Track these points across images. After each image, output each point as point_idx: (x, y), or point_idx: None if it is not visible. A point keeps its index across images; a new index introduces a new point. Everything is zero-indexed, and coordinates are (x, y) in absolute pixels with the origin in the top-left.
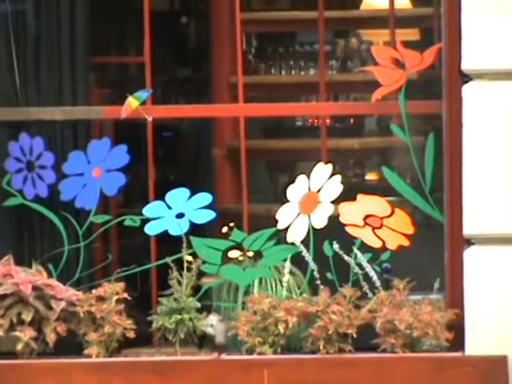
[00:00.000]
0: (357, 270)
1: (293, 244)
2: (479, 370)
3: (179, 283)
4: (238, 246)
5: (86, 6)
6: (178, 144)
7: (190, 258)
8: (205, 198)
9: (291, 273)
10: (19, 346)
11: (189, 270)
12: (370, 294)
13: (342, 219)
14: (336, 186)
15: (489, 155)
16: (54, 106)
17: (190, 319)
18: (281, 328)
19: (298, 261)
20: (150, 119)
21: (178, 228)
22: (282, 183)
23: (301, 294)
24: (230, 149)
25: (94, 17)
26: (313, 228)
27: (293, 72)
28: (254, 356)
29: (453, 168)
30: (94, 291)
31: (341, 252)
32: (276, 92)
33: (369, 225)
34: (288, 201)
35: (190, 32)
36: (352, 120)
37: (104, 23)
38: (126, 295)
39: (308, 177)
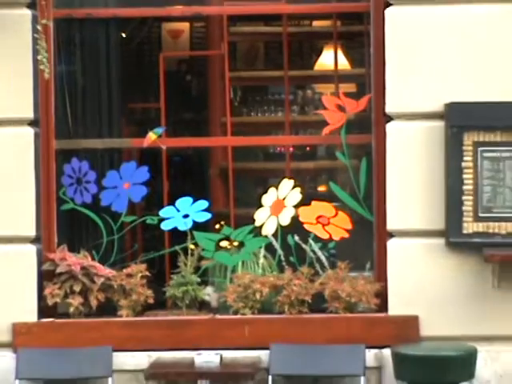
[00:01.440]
0: (311, 254)
1: (266, 236)
2: (398, 326)
3: (185, 264)
4: (227, 238)
5: (118, 68)
6: (184, 165)
7: (192, 247)
8: (203, 203)
9: (265, 257)
10: (71, 309)
11: (192, 255)
12: (320, 272)
13: (301, 219)
14: (297, 195)
15: (404, 173)
16: (96, 138)
17: (193, 290)
18: (257, 296)
19: (269, 248)
20: (164, 148)
21: (185, 225)
22: (258, 193)
23: (272, 272)
24: (221, 168)
25: (125, 75)
26: (280, 225)
27: (266, 114)
28: (238, 316)
29: (379, 182)
30: (124, 270)
31: (300, 242)
32: (254, 128)
33: (320, 223)
34: (262, 206)
35: (192, 86)
36: (308, 148)
37: (132, 80)
38: (147, 273)
39: (276, 188)
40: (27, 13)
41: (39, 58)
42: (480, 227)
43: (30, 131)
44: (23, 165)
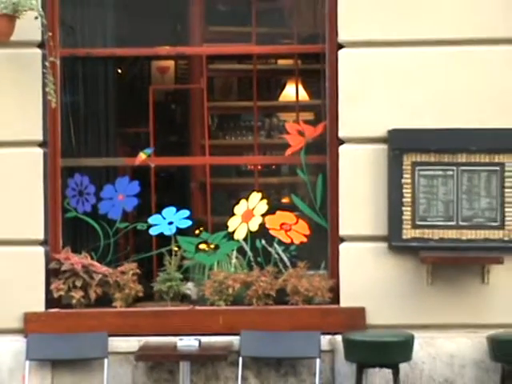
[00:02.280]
0: (276, 256)
1: (238, 240)
2: (348, 316)
3: (170, 263)
4: (205, 242)
5: (114, 98)
6: (169, 180)
7: (176, 249)
8: (185, 212)
9: (237, 258)
10: (73, 301)
11: (175, 255)
12: (283, 271)
13: (267, 225)
14: (263, 206)
15: (354, 188)
16: (95, 157)
17: (176, 285)
18: (230, 290)
19: (241, 250)
20: (152, 165)
21: (169, 230)
22: (231, 204)
23: (242, 270)
24: (200, 183)
25: (120, 104)
26: (249, 231)
27: (238, 138)
28: (214, 307)
29: (333, 195)
30: (118, 268)
31: (266, 245)
32: (228, 149)
33: (283, 229)
34: (235, 214)
35: (177, 114)
36: (273, 166)
37: (126, 108)
38: (138, 271)
39: (247, 200)
40: (38, 52)
41: (47, 89)
42: (417, 233)
43: (39, 151)
44: (34, 179)
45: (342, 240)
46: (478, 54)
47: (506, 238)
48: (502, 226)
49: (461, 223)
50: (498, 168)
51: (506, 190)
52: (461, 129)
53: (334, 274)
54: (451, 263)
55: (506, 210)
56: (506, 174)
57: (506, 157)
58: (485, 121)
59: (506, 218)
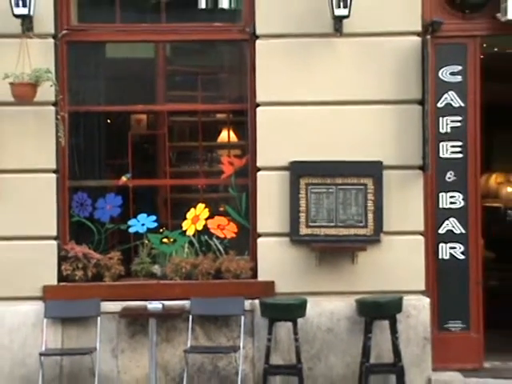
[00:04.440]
0: (214, 247)
1: (189, 236)
2: (263, 287)
3: (142, 252)
4: (167, 237)
5: (105, 140)
6: (142, 195)
7: (146, 242)
8: (153, 217)
9: (188, 248)
10: (76, 278)
11: (146, 246)
12: (219, 256)
13: (209, 226)
14: (206, 213)
15: (268, 201)
16: (91, 180)
17: (147, 266)
18: (183, 270)
19: (191, 243)
20: (131, 185)
21: (142, 230)
22: (184, 211)
23: (192, 256)
24: (164, 197)
25: (109, 144)
26: (197, 230)
27: (190, 167)
28: (173, 281)
29: (253, 205)
30: (107, 255)
31: (208, 239)
32: (183, 174)
33: (219, 228)
34: (187, 218)
35: (148, 150)
36: (213, 186)
37: (113, 146)
38: (121, 257)
39: (195, 208)
40: (52, 108)
41: (59, 134)
42: (309, 231)
43: (53, 176)
44: (49, 195)
45: (259, 236)
46: (349, 111)
47: (368, 234)
48: (365, 226)
49: (338, 224)
50: (362, 187)
51: (368, 202)
52: (338, 161)
53: (254, 258)
54: (332, 251)
55: (368, 215)
56: (368, 191)
57: (368, 180)
58: (354, 156)
59: (368, 221)
